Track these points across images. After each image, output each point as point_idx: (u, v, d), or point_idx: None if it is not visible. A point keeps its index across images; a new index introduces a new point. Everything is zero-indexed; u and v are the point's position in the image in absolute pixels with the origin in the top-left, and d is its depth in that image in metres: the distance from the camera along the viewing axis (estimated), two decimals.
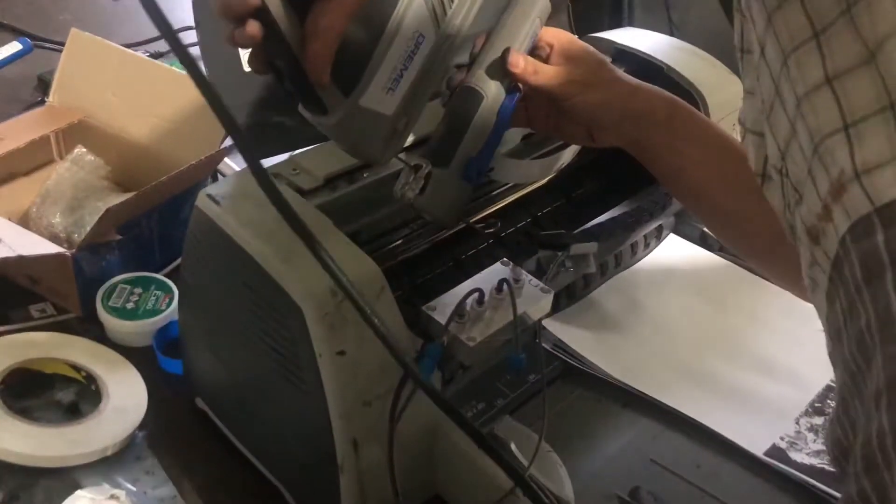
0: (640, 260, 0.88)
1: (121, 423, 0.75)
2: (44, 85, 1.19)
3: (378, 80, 0.59)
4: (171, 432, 0.77)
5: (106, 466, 0.72)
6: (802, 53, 0.36)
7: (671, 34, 1.11)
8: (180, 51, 0.44)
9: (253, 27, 0.51)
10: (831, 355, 0.36)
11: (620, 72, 0.71)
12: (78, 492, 0.68)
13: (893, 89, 0.33)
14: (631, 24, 1.15)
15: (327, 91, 0.57)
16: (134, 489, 0.71)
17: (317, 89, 0.57)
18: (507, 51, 0.66)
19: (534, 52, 0.70)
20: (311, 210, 0.64)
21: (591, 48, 0.71)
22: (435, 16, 0.60)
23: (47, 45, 1.32)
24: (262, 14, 0.51)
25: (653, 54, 0.93)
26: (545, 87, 0.68)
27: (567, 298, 0.81)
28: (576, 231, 0.81)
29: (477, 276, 0.69)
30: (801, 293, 0.66)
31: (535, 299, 0.68)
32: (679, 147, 0.69)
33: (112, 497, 0.68)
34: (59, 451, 0.71)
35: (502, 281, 0.67)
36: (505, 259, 0.71)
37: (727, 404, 0.76)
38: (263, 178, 0.49)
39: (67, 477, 0.71)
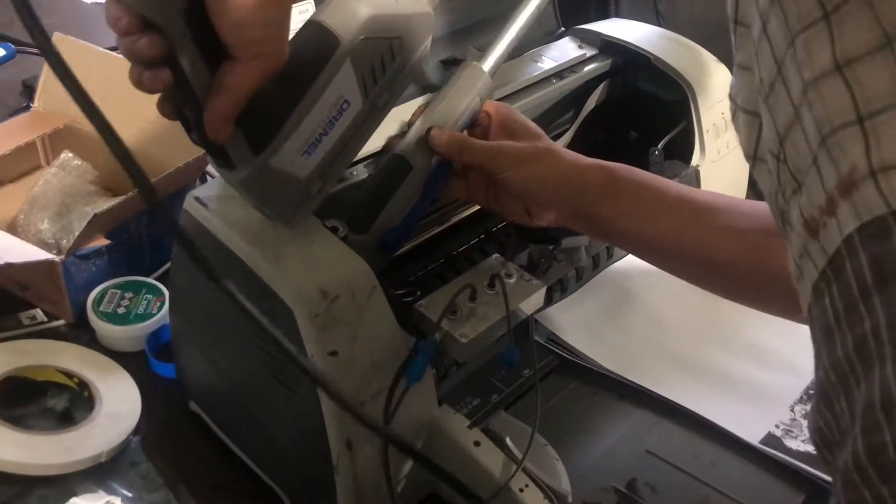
0: None
1: (115, 429, 0.75)
2: (28, 90, 1.19)
3: (294, 141, 0.56)
4: (165, 436, 0.77)
5: (101, 473, 0.72)
6: (811, 35, 0.33)
7: (658, 24, 1.11)
8: (71, 85, 0.41)
9: (165, 74, 0.48)
10: (814, 344, 0.35)
11: (558, 146, 0.70)
12: (73, 499, 0.68)
13: None
14: (618, 15, 1.15)
15: (234, 147, 0.54)
16: (129, 495, 0.71)
17: (224, 144, 0.54)
18: (429, 129, 0.66)
19: (474, 124, 0.70)
20: None
21: (531, 122, 0.71)
22: (363, 84, 0.58)
23: (31, 50, 1.31)
24: (172, 60, 0.48)
25: (640, 45, 0.94)
26: (475, 163, 0.68)
27: (559, 292, 0.81)
28: None
29: (468, 272, 0.69)
30: (791, 317, 0.65)
31: (527, 293, 0.67)
32: (630, 208, 0.67)
33: None
34: (53, 459, 0.71)
35: (494, 276, 0.66)
36: (496, 254, 0.71)
37: (722, 394, 0.76)
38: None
39: (62, 485, 0.70)
